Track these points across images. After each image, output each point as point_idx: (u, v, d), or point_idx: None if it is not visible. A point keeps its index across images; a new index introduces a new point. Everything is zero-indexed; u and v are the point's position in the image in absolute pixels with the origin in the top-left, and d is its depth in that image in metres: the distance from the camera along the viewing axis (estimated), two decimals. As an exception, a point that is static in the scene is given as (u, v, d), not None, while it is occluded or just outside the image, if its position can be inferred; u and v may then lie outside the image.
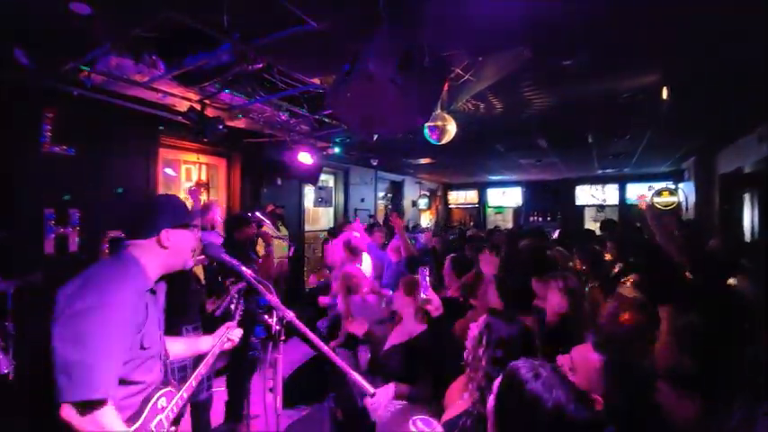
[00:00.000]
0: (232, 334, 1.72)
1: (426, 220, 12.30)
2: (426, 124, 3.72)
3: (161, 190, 4.55)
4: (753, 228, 7.13)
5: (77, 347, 1.11)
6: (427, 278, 1.98)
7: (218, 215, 3.94)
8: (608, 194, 11.34)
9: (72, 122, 3.50)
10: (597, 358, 1.21)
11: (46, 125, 3.36)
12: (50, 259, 3.35)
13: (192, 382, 1.50)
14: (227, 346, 1.72)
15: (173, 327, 2.54)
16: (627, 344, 1.81)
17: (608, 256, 4.14)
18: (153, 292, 1.37)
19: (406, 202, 10.74)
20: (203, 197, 5.30)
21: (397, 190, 10.61)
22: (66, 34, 2.53)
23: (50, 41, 2.68)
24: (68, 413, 1.11)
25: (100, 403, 1.12)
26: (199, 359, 1.66)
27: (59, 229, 3.44)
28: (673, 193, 9.45)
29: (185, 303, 2.69)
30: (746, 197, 7.25)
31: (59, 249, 3.43)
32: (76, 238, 3.53)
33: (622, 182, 10.97)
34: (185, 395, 1.45)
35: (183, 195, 5.05)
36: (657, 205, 9.64)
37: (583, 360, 1.21)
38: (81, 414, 1.10)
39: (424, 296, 1.95)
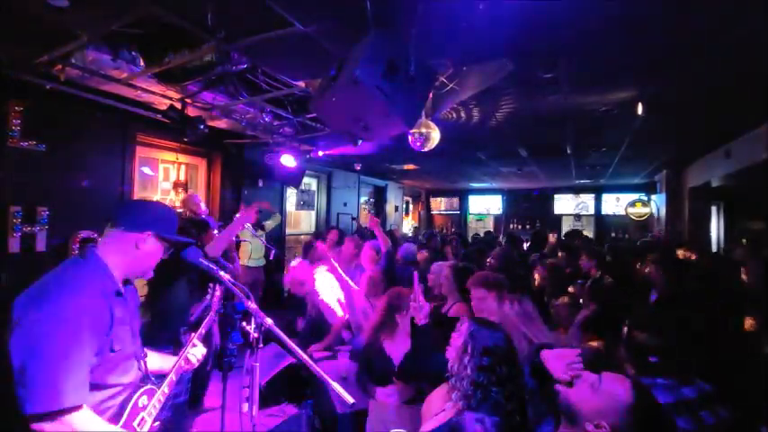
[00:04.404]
0: (192, 352, 1.61)
1: (408, 226, 12.35)
2: (410, 131, 3.74)
3: (137, 189, 4.41)
4: (719, 237, 7.49)
5: (35, 359, 1.08)
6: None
7: (201, 204, 3.91)
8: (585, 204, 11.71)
9: (44, 117, 3.36)
10: (629, 399, 1.10)
11: (15, 119, 3.22)
12: (15, 259, 3.20)
13: (173, 376, 1.48)
14: (186, 366, 1.60)
15: (173, 329, 2.51)
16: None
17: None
18: (119, 294, 1.31)
19: (389, 207, 10.77)
20: (181, 196, 5.17)
21: (379, 195, 10.63)
22: (41, 26, 2.43)
23: (23, 33, 2.57)
24: (37, 424, 1.08)
25: (70, 410, 1.09)
26: None
27: (26, 227, 3.29)
28: (645, 204, 9.83)
29: (187, 307, 2.72)
30: (714, 209, 7.61)
31: (25, 249, 3.28)
32: (44, 238, 3.39)
33: (599, 192, 11.32)
34: (167, 390, 1.43)
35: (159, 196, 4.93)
36: (632, 216, 10.02)
37: (613, 392, 1.12)
38: (51, 423, 1.08)
39: (418, 304, 1.87)
